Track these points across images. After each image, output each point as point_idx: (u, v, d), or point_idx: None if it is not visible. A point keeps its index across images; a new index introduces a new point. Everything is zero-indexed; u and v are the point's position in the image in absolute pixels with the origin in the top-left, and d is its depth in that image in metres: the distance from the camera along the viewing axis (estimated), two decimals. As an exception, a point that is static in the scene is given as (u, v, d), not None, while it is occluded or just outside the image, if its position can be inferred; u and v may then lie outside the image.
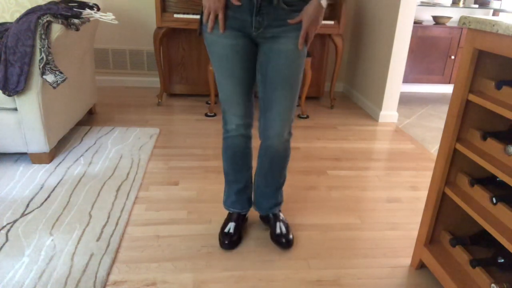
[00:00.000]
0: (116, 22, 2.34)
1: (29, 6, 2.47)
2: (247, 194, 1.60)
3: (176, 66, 3.32)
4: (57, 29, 1.95)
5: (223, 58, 1.32)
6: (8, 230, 1.56)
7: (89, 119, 2.78)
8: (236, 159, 1.50)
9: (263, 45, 1.32)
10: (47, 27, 1.90)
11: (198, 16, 2.87)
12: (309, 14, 1.24)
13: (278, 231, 1.59)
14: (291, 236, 1.59)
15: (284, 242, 1.56)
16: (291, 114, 1.39)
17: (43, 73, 1.89)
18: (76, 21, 2.13)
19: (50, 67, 1.90)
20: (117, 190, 1.89)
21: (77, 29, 2.12)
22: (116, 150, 2.31)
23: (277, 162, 1.48)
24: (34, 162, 2.09)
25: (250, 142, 1.50)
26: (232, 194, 1.58)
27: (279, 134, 1.40)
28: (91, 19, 2.32)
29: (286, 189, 2.00)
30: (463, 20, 1.16)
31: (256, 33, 1.28)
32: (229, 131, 1.45)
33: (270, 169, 1.51)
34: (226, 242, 1.54)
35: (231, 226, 1.59)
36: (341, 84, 3.91)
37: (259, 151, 1.51)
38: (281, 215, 1.66)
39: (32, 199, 1.78)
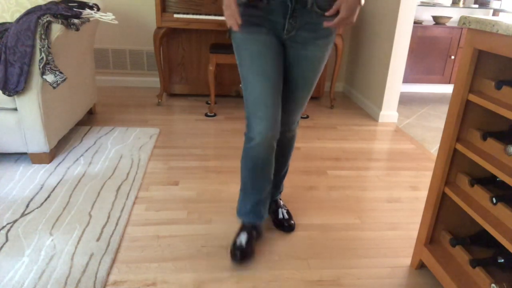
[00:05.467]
0: (116, 22, 2.34)
1: (29, 6, 2.47)
2: (264, 205, 1.49)
3: (176, 66, 3.32)
4: (57, 29, 1.95)
5: (255, 55, 1.28)
6: (8, 230, 1.56)
7: (89, 119, 2.78)
8: (256, 170, 1.39)
9: (290, 49, 1.32)
10: (47, 27, 1.90)
11: (198, 16, 2.87)
12: (348, 3, 1.14)
13: (280, 216, 1.69)
14: (292, 221, 1.69)
15: (286, 226, 1.66)
16: (304, 108, 1.49)
17: (43, 73, 1.89)
18: (76, 21, 2.13)
19: (50, 67, 1.90)
20: (117, 190, 1.89)
21: (77, 29, 2.12)
22: (116, 150, 2.31)
23: (284, 149, 1.57)
24: (34, 162, 2.09)
25: (273, 153, 1.39)
26: (248, 204, 1.47)
27: (290, 125, 1.50)
28: (91, 19, 2.32)
29: (286, 189, 2.01)
30: (463, 20, 1.16)
31: (287, 36, 1.29)
32: (252, 139, 1.33)
33: (277, 157, 1.53)
34: (237, 254, 1.44)
35: (243, 238, 1.48)
36: (341, 84, 3.91)
37: None
38: (282, 202, 1.75)
39: (32, 199, 1.78)
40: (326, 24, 1.18)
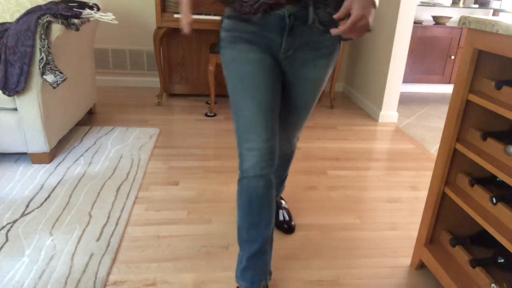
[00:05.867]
0: (116, 22, 2.34)
1: (29, 6, 2.47)
2: (263, 262, 1.21)
3: (176, 66, 3.32)
4: (57, 29, 1.95)
5: (246, 76, 1.10)
6: (8, 230, 1.56)
7: (89, 119, 2.78)
8: (251, 208, 1.15)
9: (288, 70, 1.17)
10: (47, 27, 1.90)
11: (198, 16, 2.87)
12: (361, 2, 0.90)
13: (281, 218, 1.67)
14: (293, 223, 1.68)
15: (286, 227, 1.65)
16: (304, 125, 1.38)
17: (43, 73, 1.89)
18: (76, 21, 2.13)
19: (50, 67, 1.90)
20: (117, 190, 1.89)
21: (77, 29, 2.12)
22: (116, 150, 2.31)
23: (283, 161, 1.52)
24: (34, 162, 2.09)
25: (271, 189, 1.16)
26: (243, 258, 1.21)
27: (290, 143, 1.44)
28: (91, 19, 2.32)
29: (286, 189, 2.00)
30: (463, 20, 1.16)
31: (284, 56, 1.13)
32: (244, 171, 1.14)
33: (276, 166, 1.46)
34: None
35: None
36: (341, 84, 3.91)
37: None
38: (283, 203, 1.73)
39: (32, 199, 1.78)
40: (334, 31, 0.92)
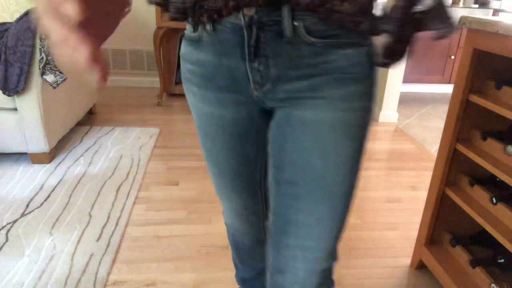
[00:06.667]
0: (116, 22, 2.34)
1: (29, 6, 2.47)
2: (260, 284, 1.09)
3: (176, 66, 3.32)
4: (57, 29, 1.94)
5: (205, 132, 0.75)
6: (8, 230, 1.56)
7: (89, 119, 2.78)
8: (241, 253, 1.04)
9: (277, 110, 0.65)
10: (47, 27, 1.90)
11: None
12: None
13: None
14: None
15: None
16: (330, 250, 0.68)
17: (43, 73, 1.89)
18: (76, 21, 2.13)
19: (50, 67, 1.90)
20: (117, 190, 1.89)
21: (77, 29, 2.12)
22: (116, 150, 2.31)
23: None
24: (34, 162, 2.09)
25: (260, 241, 0.95)
26: (238, 278, 1.13)
27: (302, 286, 0.70)
28: (91, 19, 2.32)
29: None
30: (463, 20, 1.16)
31: (260, 94, 0.63)
32: (225, 221, 0.99)
33: None
34: None
35: None
36: (341, 84, 3.91)
37: None
38: None
39: (32, 199, 1.78)
40: None
